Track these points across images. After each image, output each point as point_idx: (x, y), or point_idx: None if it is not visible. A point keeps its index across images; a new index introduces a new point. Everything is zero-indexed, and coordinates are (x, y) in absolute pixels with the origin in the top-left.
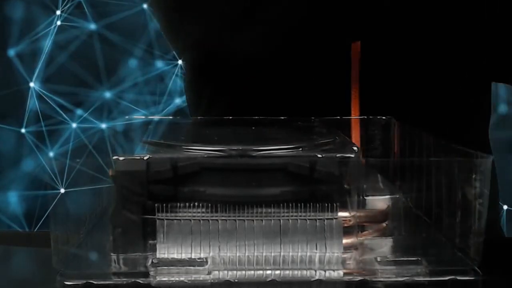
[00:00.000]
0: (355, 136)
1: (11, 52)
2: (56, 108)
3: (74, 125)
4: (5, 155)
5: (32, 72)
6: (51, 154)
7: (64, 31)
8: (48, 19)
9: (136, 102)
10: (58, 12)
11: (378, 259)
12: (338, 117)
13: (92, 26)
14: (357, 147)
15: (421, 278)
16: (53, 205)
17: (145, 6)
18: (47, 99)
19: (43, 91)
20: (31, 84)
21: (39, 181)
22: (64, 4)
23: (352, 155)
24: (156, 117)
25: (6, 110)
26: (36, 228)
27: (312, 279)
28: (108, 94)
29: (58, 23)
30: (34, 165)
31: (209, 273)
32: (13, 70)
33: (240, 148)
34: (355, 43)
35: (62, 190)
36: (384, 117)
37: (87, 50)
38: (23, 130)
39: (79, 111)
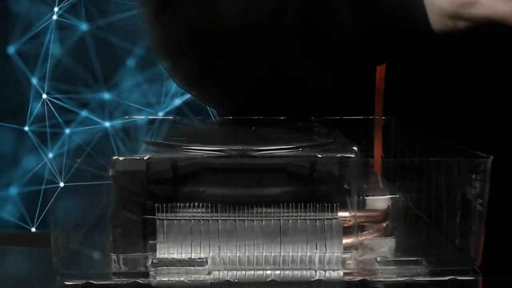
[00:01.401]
0: (378, 140)
1: (11, 49)
2: (53, 109)
3: (67, 130)
4: (8, 153)
5: (34, 71)
6: (50, 155)
7: (65, 31)
8: (47, 17)
9: (138, 102)
10: (56, 9)
11: (378, 259)
12: (338, 117)
13: (92, 26)
14: (357, 147)
15: (421, 278)
16: (52, 201)
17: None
18: (48, 99)
19: (44, 90)
20: (34, 80)
21: (40, 177)
22: (65, 2)
23: (352, 155)
24: (156, 117)
25: (9, 108)
26: (38, 222)
27: (312, 279)
28: (109, 95)
29: (54, 18)
30: (36, 162)
31: (209, 273)
32: (14, 68)
33: (240, 148)
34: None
35: (62, 184)
36: (384, 117)
37: (88, 50)
38: (26, 128)
39: (79, 111)
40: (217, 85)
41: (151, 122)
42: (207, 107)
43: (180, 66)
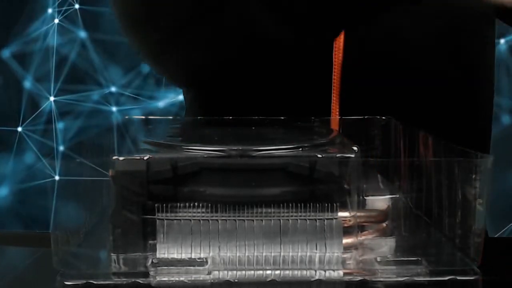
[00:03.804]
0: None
1: (6, 53)
2: (52, 106)
3: (61, 125)
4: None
5: (32, 69)
6: (61, 148)
7: (63, 31)
8: (46, 19)
9: (137, 100)
10: (50, 11)
11: (378, 259)
12: (339, 117)
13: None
14: (357, 147)
15: (421, 278)
16: (53, 201)
17: None
18: (54, 100)
19: (43, 87)
20: (26, 81)
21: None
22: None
23: (352, 155)
24: (156, 117)
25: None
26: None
27: (312, 279)
28: (108, 89)
29: (56, 21)
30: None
31: (209, 273)
32: (9, 68)
33: (240, 148)
34: (338, 42)
35: (57, 178)
36: (384, 117)
37: (87, 52)
38: (19, 129)
39: (79, 108)
40: (178, 55)
41: (150, 121)
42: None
43: (141, 38)
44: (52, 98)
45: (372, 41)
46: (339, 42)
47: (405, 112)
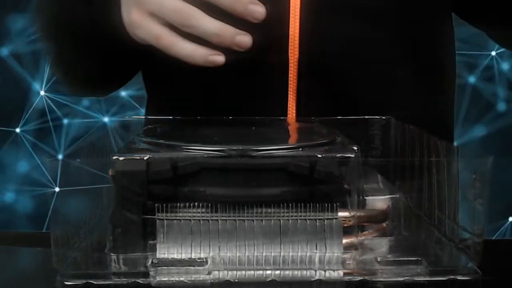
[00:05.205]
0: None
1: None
2: (53, 106)
3: (65, 120)
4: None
5: (34, 71)
6: (60, 156)
7: None
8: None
9: (137, 99)
10: None
11: (378, 259)
12: (339, 117)
13: None
14: (357, 147)
15: (421, 278)
16: (52, 205)
17: None
18: (46, 96)
19: (40, 88)
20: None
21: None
22: None
23: (352, 155)
24: (155, 117)
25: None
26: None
27: (312, 279)
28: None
29: None
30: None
31: (209, 273)
32: (11, 70)
33: (240, 148)
34: (293, 40)
35: (57, 189)
36: (384, 117)
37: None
38: (17, 130)
39: (77, 107)
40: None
41: (150, 121)
42: None
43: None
44: (42, 92)
45: (328, 38)
46: (294, 40)
47: (365, 111)
